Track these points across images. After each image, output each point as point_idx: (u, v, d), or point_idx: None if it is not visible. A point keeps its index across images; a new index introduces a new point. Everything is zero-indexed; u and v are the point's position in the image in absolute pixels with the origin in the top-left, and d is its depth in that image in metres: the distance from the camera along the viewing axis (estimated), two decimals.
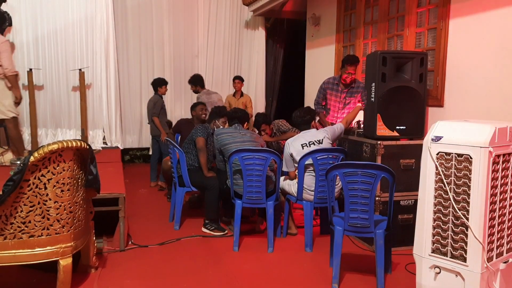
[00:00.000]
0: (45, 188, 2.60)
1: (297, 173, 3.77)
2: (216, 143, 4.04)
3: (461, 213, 2.33)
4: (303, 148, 3.72)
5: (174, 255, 3.57)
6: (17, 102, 4.96)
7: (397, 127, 3.60)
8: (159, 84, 5.97)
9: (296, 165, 3.75)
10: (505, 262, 2.43)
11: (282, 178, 3.97)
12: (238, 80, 6.67)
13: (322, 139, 3.78)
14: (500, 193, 2.37)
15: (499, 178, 2.34)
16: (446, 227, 2.41)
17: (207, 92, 6.19)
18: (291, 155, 3.77)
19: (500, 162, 2.33)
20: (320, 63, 6.19)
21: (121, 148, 6.90)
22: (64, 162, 2.66)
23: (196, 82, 6.24)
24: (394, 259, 3.28)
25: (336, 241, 3.00)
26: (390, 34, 4.58)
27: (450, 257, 2.40)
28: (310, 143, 3.75)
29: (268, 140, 5.03)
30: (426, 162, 2.47)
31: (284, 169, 3.87)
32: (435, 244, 2.46)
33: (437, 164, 2.41)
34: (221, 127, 4.41)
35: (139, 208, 4.87)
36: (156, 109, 5.87)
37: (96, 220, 3.20)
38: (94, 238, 3.20)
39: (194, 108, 5.26)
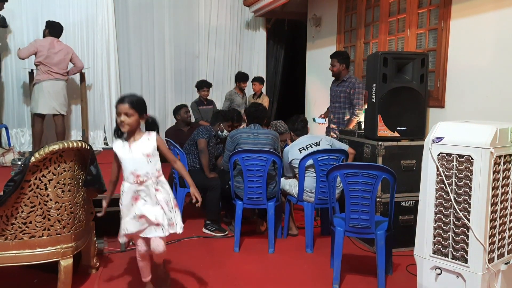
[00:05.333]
0: (46, 188, 2.61)
1: (297, 175, 3.77)
2: (232, 144, 3.94)
3: (462, 214, 2.33)
4: (300, 152, 3.73)
5: (175, 256, 3.56)
6: None
7: (398, 128, 3.60)
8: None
9: (296, 170, 3.75)
10: (506, 263, 2.43)
11: (283, 178, 3.97)
12: (256, 82, 6.63)
13: (320, 141, 3.79)
14: (501, 194, 2.36)
15: (500, 179, 2.34)
16: (447, 228, 2.41)
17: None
18: (291, 163, 3.78)
19: (502, 163, 2.32)
20: (320, 64, 6.19)
21: None
22: (65, 163, 2.66)
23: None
24: (395, 260, 3.28)
25: (336, 242, 3.00)
26: (391, 35, 4.58)
27: (451, 258, 2.39)
28: (308, 146, 3.76)
29: None
30: (427, 163, 2.46)
31: (285, 173, 3.90)
32: (436, 245, 2.46)
33: (438, 165, 2.41)
34: (225, 131, 4.39)
35: None
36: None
37: (97, 220, 3.20)
38: (95, 238, 3.20)
39: (178, 111, 5.26)
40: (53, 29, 5.59)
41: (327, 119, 5.13)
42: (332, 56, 4.73)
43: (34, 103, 5.50)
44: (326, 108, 5.25)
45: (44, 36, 5.65)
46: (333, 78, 4.85)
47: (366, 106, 4.03)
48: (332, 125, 4.88)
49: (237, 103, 6.45)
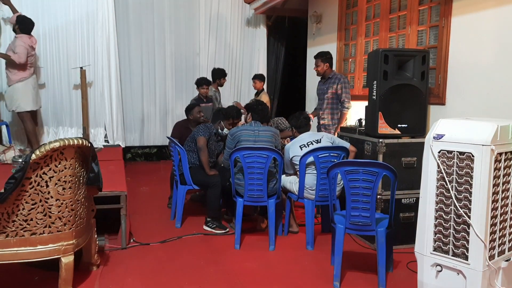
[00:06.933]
0: (47, 186, 2.61)
1: (298, 172, 3.77)
2: (232, 142, 3.93)
3: (463, 211, 2.33)
4: (301, 149, 3.73)
5: (176, 253, 3.57)
6: None
7: (399, 125, 3.60)
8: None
9: (297, 167, 3.75)
10: (507, 260, 2.43)
11: (283, 175, 3.97)
12: (256, 79, 6.60)
13: (321, 139, 3.79)
14: (502, 191, 2.36)
15: (501, 176, 2.34)
16: (447, 225, 2.41)
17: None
18: (291, 160, 3.78)
19: (502, 160, 2.32)
20: None
21: (122, 146, 6.90)
22: (65, 160, 2.66)
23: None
24: (395, 257, 3.28)
25: (337, 239, 3.00)
26: (392, 32, 4.57)
27: (452, 255, 2.40)
28: (309, 143, 3.76)
29: None
30: (428, 160, 2.46)
31: (286, 170, 3.90)
32: (437, 242, 2.46)
33: (439, 162, 2.41)
34: (225, 129, 4.38)
35: (141, 206, 4.87)
36: None
37: (98, 218, 3.20)
38: (96, 236, 3.20)
39: (191, 111, 5.05)
40: (24, 25, 5.46)
41: (315, 118, 5.15)
42: (315, 57, 4.92)
43: (20, 101, 5.48)
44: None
45: (15, 32, 5.54)
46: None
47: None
48: (321, 121, 4.96)
49: (218, 101, 6.42)
